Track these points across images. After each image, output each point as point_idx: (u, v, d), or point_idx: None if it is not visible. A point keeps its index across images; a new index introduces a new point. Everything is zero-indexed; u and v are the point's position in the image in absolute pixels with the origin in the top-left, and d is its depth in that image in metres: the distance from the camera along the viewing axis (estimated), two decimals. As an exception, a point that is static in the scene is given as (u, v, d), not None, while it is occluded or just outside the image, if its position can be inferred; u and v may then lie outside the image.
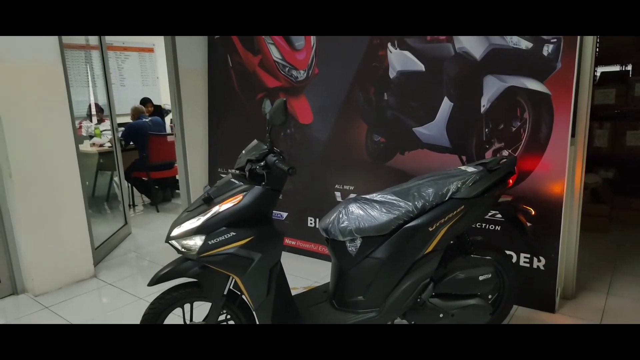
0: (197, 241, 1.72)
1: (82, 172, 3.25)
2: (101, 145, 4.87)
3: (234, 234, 1.71)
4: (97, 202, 4.85)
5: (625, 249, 3.46)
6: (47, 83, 2.93)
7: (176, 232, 1.76)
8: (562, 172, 2.41)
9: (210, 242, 1.70)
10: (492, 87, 2.61)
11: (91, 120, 5.52)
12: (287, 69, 3.49)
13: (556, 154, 2.43)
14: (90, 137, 5.19)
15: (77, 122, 5.39)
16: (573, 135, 2.46)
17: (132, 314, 2.72)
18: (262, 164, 1.74)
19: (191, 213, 1.78)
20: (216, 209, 1.72)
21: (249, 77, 3.76)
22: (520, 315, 2.49)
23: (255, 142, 1.88)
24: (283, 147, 3.57)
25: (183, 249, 1.76)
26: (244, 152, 1.87)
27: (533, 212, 2.20)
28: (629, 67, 4.57)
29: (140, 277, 3.35)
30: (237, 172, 1.88)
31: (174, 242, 1.78)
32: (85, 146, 4.91)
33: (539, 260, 2.50)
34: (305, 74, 3.42)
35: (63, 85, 3.03)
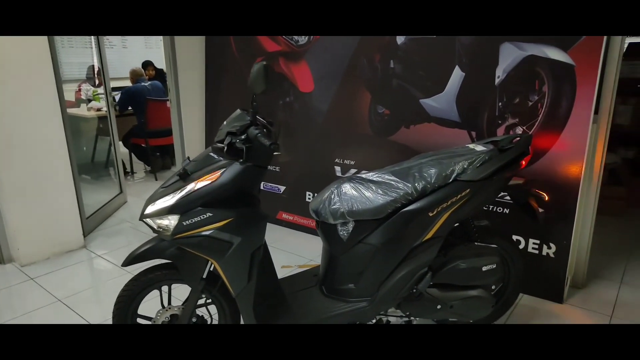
0: (171, 221, 1.57)
1: (77, 137, 3.07)
2: (99, 110, 4.70)
3: (210, 214, 1.55)
4: (97, 168, 4.72)
5: (642, 234, 3.26)
6: (28, 43, 2.73)
7: (150, 209, 1.61)
8: (582, 152, 2.19)
9: (184, 223, 1.55)
10: (509, 56, 2.36)
11: (94, 84, 5.33)
12: (287, 31, 3.24)
13: (576, 132, 2.21)
14: (89, 100, 5.01)
15: (76, 85, 5.21)
16: (596, 112, 2.23)
17: (117, 289, 2.60)
18: (242, 137, 1.55)
19: (166, 189, 1.62)
20: (191, 186, 1.56)
21: (247, 41, 3.51)
22: (526, 304, 2.34)
23: (238, 111, 1.68)
24: (282, 116, 3.37)
25: (158, 229, 1.61)
26: (225, 122, 1.68)
27: (546, 198, 1.99)
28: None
29: (133, 249, 3.21)
30: (218, 145, 1.70)
31: (148, 220, 1.63)
32: (83, 110, 4.75)
33: (549, 247, 2.31)
34: (306, 38, 3.17)
35: (46, 45, 2.82)
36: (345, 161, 3.10)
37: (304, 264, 2.89)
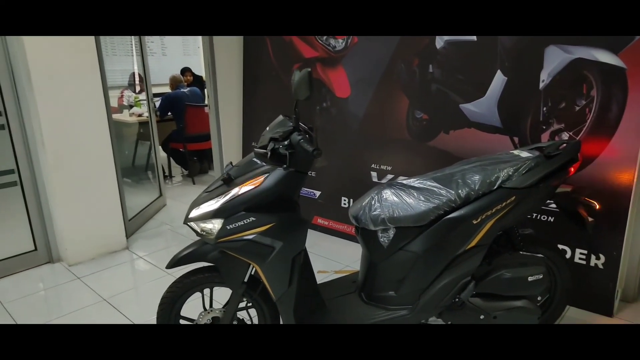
0: (215, 225, 1.60)
1: (119, 141, 3.18)
2: (140, 115, 4.86)
3: (253, 219, 1.57)
4: (138, 172, 4.88)
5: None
6: (79, 52, 2.86)
7: (194, 213, 1.65)
8: (634, 158, 2.09)
9: (228, 227, 1.57)
10: (555, 59, 2.28)
11: (134, 90, 5.52)
12: (324, 37, 3.26)
13: (628, 138, 2.11)
14: (131, 106, 5.19)
15: (119, 91, 5.42)
16: (650, 116, 2.12)
17: (160, 290, 2.67)
18: (285, 143, 1.57)
19: (210, 194, 1.65)
20: (235, 190, 1.58)
21: (285, 47, 3.55)
22: (573, 317, 2.24)
23: (280, 117, 1.70)
24: (318, 122, 3.38)
25: (202, 232, 1.65)
26: (267, 128, 1.70)
27: (597, 206, 1.91)
28: None
29: (172, 251, 3.30)
30: (261, 150, 1.72)
31: (192, 224, 1.67)
32: (125, 115, 4.92)
33: (598, 258, 2.22)
34: (343, 43, 3.17)
35: (94, 54, 2.95)
36: (382, 167, 3.08)
37: (340, 269, 2.89)
